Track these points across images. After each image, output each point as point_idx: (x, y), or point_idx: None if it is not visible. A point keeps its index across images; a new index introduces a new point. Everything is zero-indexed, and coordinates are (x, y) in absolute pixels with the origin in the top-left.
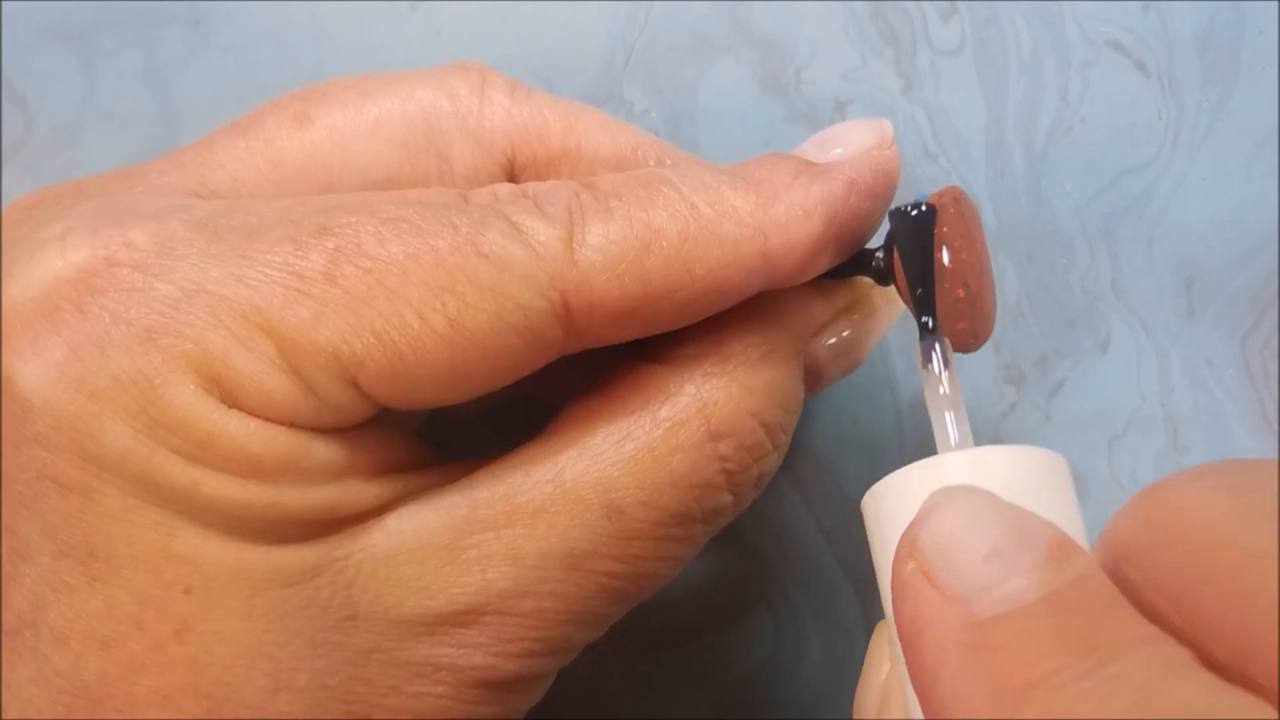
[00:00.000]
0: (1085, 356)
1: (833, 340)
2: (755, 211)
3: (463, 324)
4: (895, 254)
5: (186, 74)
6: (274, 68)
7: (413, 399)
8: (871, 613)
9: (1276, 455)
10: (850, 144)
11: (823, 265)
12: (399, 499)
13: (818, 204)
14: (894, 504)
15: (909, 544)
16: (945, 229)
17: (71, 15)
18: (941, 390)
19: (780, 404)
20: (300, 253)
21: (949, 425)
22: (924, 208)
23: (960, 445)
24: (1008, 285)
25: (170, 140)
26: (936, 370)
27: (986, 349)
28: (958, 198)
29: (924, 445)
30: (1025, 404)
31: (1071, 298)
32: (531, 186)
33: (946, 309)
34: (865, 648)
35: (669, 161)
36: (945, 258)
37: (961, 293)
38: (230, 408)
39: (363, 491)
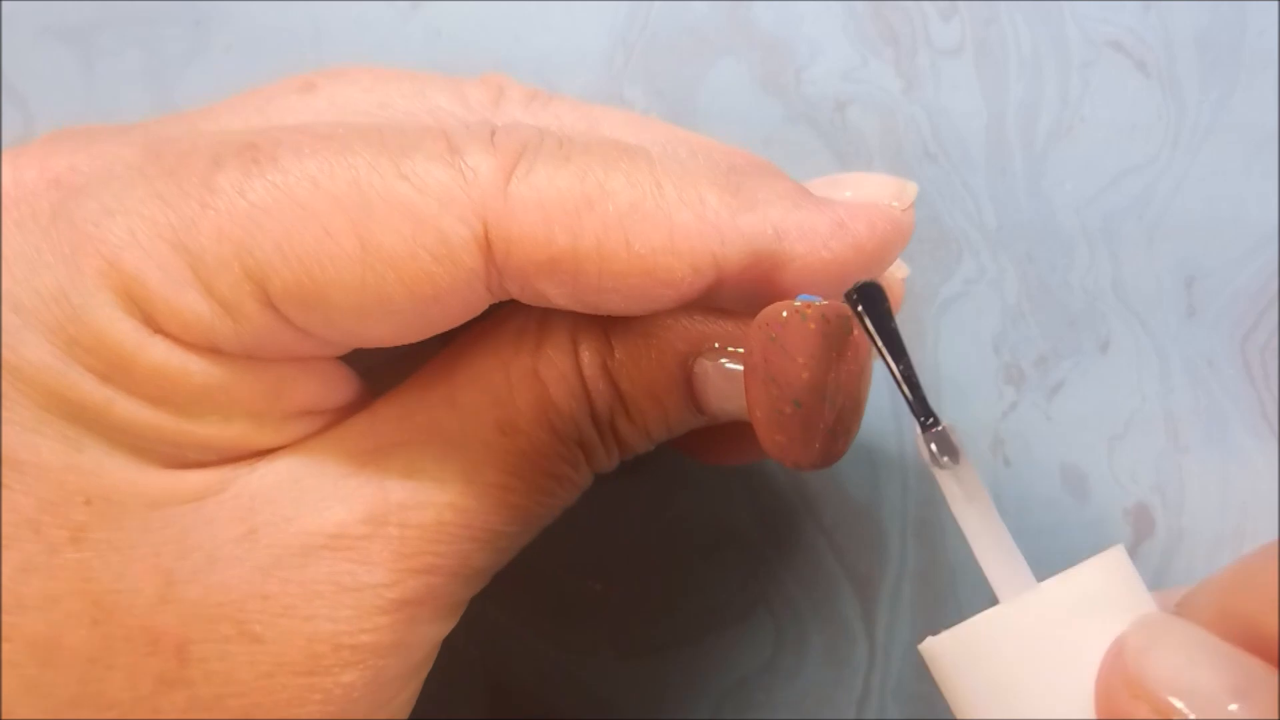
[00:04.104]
0: (1085, 356)
1: (725, 365)
2: (722, 211)
3: (375, 244)
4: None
5: (186, 74)
6: (274, 68)
7: (336, 326)
8: (872, 613)
9: (1276, 455)
10: (862, 191)
11: (777, 300)
12: (317, 433)
13: (792, 230)
14: (989, 651)
15: (1134, 685)
16: (791, 340)
17: (71, 15)
18: (964, 493)
19: (642, 385)
20: (218, 168)
21: (996, 541)
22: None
23: (1016, 565)
24: (1008, 285)
25: None
26: (949, 470)
27: (987, 348)
28: (827, 316)
29: None
30: (1025, 404)
31: (1071, 298)
32: (506, 124)
33: (768, 416)
34: (865, 648)
35: (702, 154)
36: (777, 369)
37: (788, 409)
38: (152, 330)
39: (279, 430)
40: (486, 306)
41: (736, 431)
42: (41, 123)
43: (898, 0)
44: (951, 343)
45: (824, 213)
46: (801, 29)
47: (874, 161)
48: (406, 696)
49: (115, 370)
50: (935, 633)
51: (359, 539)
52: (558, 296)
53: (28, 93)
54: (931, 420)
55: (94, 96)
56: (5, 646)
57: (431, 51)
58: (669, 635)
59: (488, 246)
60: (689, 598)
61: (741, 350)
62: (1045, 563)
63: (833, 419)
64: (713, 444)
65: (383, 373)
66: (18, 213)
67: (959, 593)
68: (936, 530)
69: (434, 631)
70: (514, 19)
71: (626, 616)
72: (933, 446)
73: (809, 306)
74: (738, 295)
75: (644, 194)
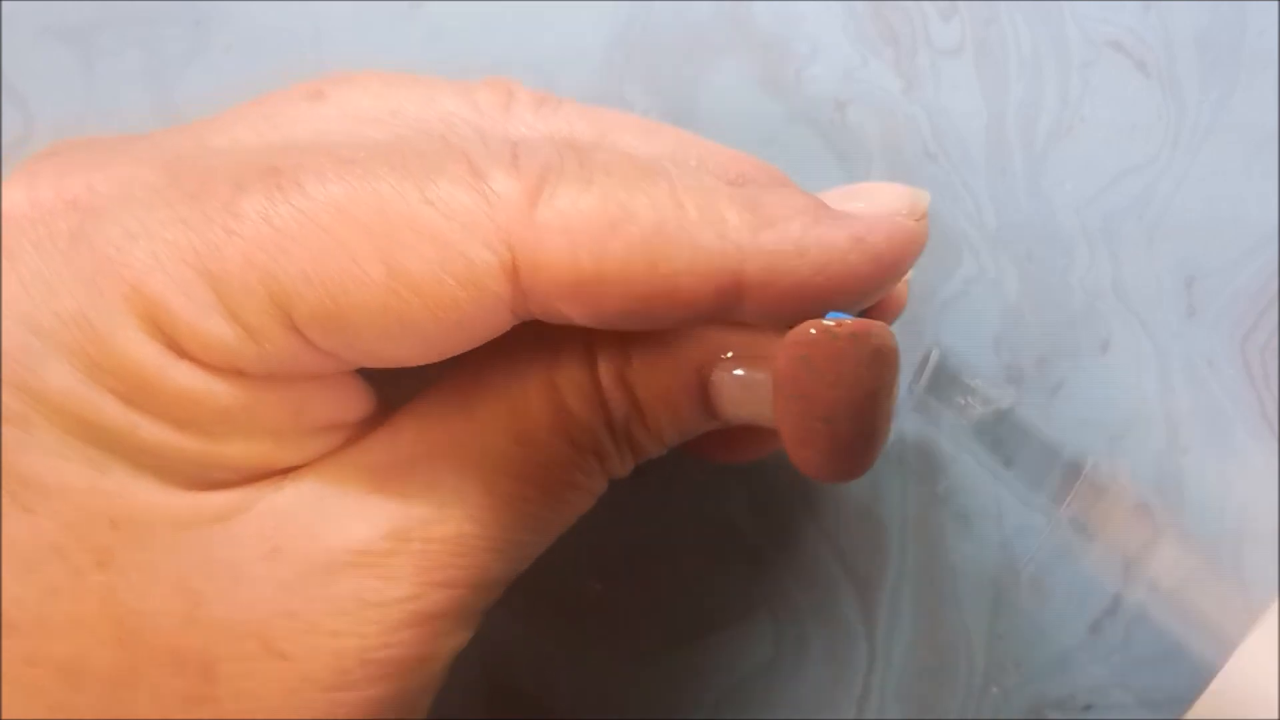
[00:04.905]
0: (1085, 356)
1: (740, 373)
2: (743, 230)
3: (401, 270)
4: None
5: (186, 74)
6: (274, 68)
7: (358, 348)
8: (872, 613)
9: (1276, 455)
10: (875, 202)
11: (797, 314)
12: (338, 450)
13: (812, 246)
14: None
15: None
16: (820, 359)
17: (71, 15)
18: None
19: (658, 393)
20: (241, 192)
21: None
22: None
23: None
24: (1008, 285)
25: None
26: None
27: (987, 349)
28: (857, 334)
29: (924, 445)
30: (1025, 404)
31: (1071, 298)
32: (525, 140)
33: (797, 433)
34: (865, 648)
35: (711, 162)
36: (806, 386)
37: (817, 426)
38: (175, 353)
39: (302, 448)
40: (509, 327)
41: (741, 431)
42: (41, 123)
43: (898, 0)
44: (952, 343)
45: (842, 227)
46: (801, 29)
47: (874, 161)
48: (425, 706)
49: (138, 393)
50: (936, 634)
51: (383, 555)
52: (580, 316)
53: (28, 93)
54: None
55: (94, 96)
56: (32, 671)
57: (432, 51)
58: (669, 635)
59: (513, 271)
60: (689, 598)
61: (757, 357)
62: (1045, 562)
63: (861, 434)
64: (716, 443)
65: (399, 382)
66: (35, 234)
67: (959, 593)
68: (936, 530)
69: (454, 642)
70: (514, 19)
71: (626, 616)
72: None
73: (839, 325)
74: (757, 311)
75: (666, 215)
